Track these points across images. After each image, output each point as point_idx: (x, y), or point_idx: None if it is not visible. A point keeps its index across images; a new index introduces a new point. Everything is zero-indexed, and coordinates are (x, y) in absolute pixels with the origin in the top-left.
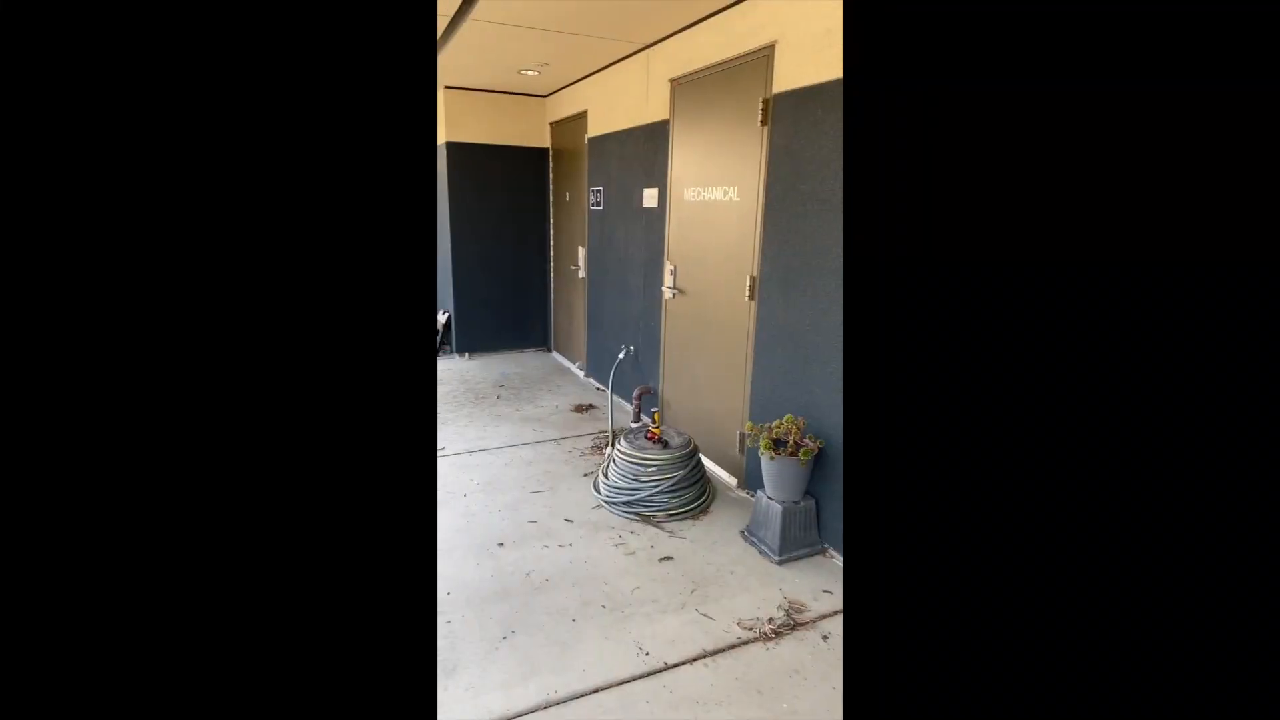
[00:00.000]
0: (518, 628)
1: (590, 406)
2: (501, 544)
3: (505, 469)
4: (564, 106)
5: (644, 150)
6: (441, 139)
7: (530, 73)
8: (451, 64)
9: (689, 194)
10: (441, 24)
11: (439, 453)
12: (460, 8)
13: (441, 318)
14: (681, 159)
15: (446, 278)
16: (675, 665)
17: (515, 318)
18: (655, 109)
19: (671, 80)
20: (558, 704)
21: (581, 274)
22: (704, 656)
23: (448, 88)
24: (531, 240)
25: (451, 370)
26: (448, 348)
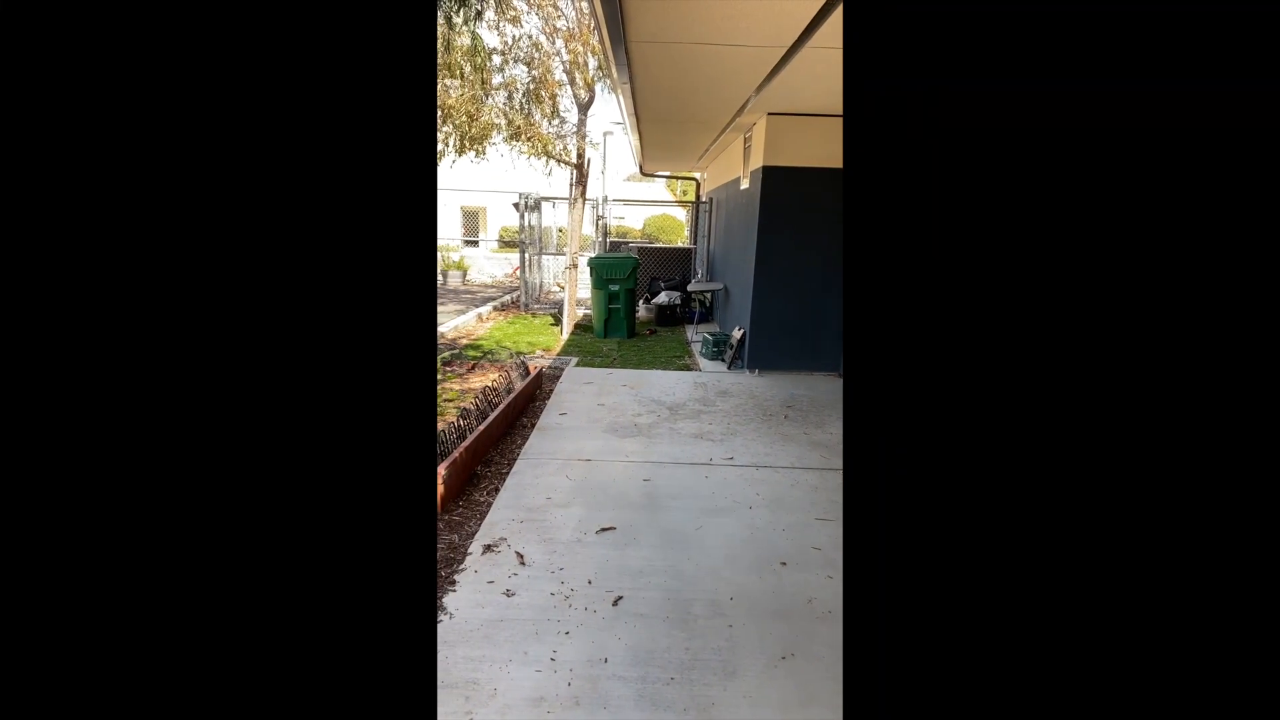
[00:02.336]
0: (797, 652)
1: None
2: (784, 563)
3: (790, 490)
4: None
5: None
6: (759, 163)
7: None
8: (778, 92)
9: None
10: (777, 55)
11: (728, 462)
12: (799, 38)
13: (737, 334)
14: None
15: (747, 295)
16: None
17: (807, 339)
18: None
19: None
20: None
21: None
22: None
23: (770, 114)
24: (833, 262)
25: (740, 384)
26: (739, 362)
